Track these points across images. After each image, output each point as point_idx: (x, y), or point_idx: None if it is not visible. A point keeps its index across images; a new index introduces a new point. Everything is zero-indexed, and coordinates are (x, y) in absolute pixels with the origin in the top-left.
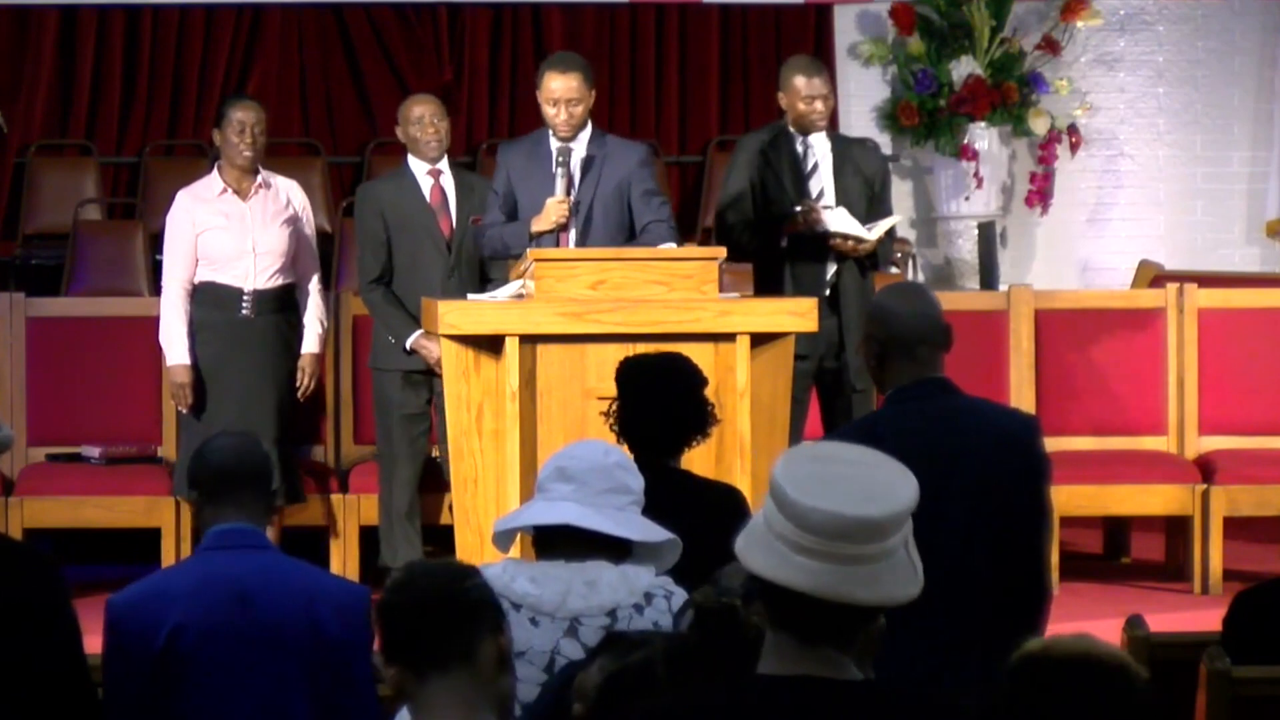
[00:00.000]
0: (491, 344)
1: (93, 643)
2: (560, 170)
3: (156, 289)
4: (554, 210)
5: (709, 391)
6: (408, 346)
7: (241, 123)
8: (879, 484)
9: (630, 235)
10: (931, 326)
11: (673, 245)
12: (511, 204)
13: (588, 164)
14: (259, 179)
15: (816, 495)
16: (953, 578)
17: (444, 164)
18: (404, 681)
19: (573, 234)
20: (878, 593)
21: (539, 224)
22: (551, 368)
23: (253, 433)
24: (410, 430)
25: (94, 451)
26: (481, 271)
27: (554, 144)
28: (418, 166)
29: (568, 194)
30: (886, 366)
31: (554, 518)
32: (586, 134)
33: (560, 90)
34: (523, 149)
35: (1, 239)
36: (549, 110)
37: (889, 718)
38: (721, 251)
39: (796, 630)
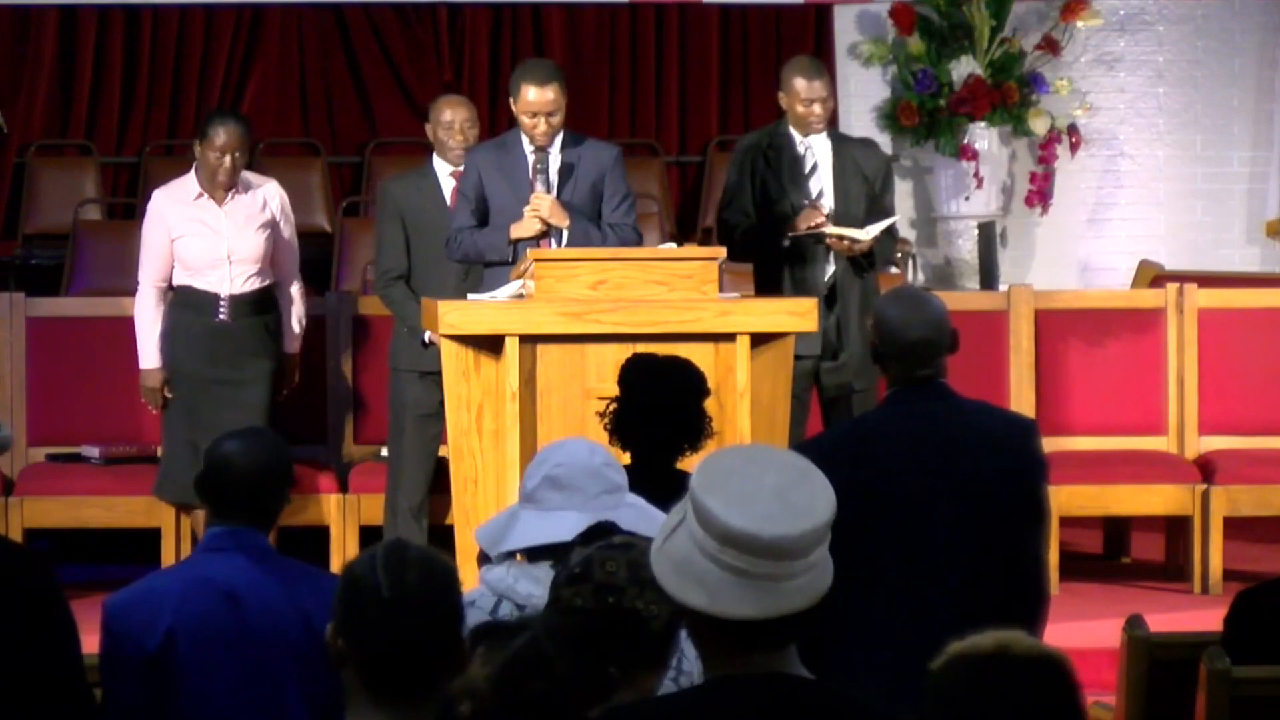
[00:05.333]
0: (491, 344)
1: (91, 643)
2: (540, 178)
3: None
4: (546, 211)
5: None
6: (427, 339)
7: (223, 149)
8: (800, 492)
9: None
10: (929, 346)
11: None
12: (483, 208)
13: (565, 169)
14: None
15: (755, 518)
16: (940, 579)
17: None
18: (353, 690)
19: (552, 240)
20: (809, 595)
21: (519, 230)
22: (551, 368)
23: (269, 432)
24: (424, 430)
25: (94, 451)
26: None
27: (528, 148)
28: (441, 168)
29: None
30: (886, 370)
31: (562, 533)
32: (559, 137)
33: (539, 103)
34: (492, 151)
35: (1, 239)
36: (526, 121)
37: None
38: (721, 251)
39: (737, 646)
